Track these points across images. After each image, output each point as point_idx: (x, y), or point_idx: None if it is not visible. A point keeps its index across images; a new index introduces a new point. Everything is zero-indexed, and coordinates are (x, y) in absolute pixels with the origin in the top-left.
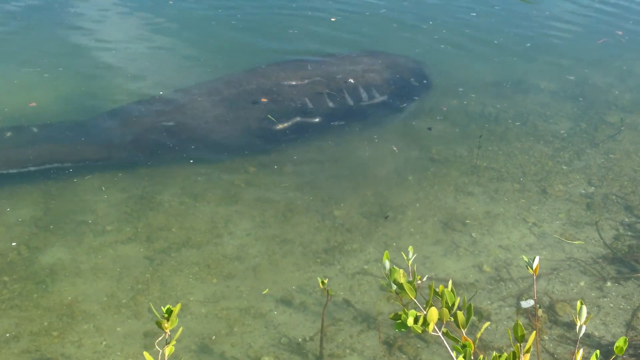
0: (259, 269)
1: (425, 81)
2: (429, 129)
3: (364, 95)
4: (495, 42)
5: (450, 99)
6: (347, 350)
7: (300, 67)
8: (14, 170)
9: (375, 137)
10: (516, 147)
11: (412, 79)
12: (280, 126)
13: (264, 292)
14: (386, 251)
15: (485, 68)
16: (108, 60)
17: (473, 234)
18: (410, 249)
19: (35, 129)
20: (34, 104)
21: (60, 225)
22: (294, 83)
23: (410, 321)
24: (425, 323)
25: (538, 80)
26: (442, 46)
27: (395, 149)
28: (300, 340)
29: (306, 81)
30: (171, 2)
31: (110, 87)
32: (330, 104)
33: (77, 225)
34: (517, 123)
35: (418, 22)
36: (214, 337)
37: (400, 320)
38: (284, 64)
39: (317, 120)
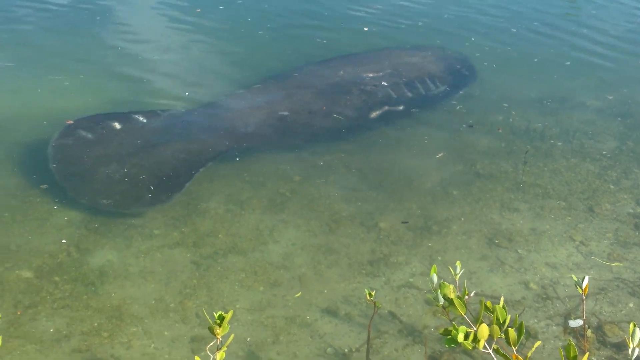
0: (304, 278)
1: (474, 72)
2: (470, 126)
3: (430, 85)
4: (536, 60)
5: (495, 114)
6: None
7: (368, 61)
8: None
9: (419, 149)
10: (562, 164)
11: (464, 70)
12: (373, 114)
13: (296, 295)
14: (434, 265)
15: (527, 84)
16: (148, 64)
17: (519, 251)
18: (458, 263)
19: (143, 119)
20: (71, 122)
21: (109, 228)
22: (372, 75)
23: (460, 337)
24: (476, 339)
25: (582, 98)
26: (485, 63)
27: (440, 155)
28: (346, 351)
29: (381, 73)
30: (221, 8)
31: (152, 90)
32: (409, 94)
33: (126, 228)
34: (563, 140)
35: (459, 39)
36: (260, 344)
37: (450, 336)
38: (348, 57)
39: (401, 108)
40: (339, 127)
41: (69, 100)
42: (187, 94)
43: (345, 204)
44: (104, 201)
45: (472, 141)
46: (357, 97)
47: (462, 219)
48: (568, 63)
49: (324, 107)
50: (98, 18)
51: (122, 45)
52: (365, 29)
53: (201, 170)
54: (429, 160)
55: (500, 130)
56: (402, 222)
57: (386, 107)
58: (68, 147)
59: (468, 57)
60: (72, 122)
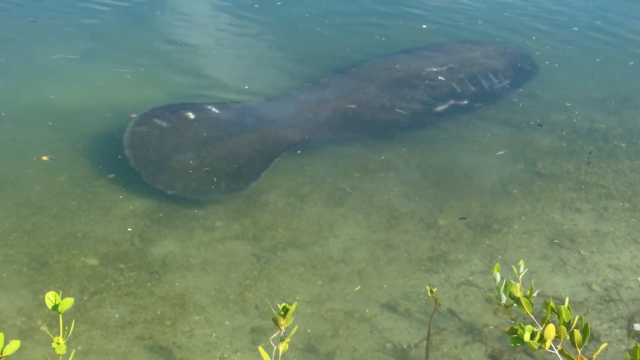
0: (363, 273)
1: (536, 67)
2: (540, 125)
3: (493, 79)
4: (598, 59)
5: (557, 113)
6: None
7: (431, 55)
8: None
9: (480, 147)
10: (626, 165)
11: (526, 65)
12: (436, 109)
13: (355, 289)
14: (497, 264)
15: (590, 84)
16: (207, 58)
17: (581, 252)
18: (521, 263)
19: (216, 110)
20: (135, 115)
21: (172, 219)
22: (435, 69)
23: (527, 336)
24: (542, 339)
25: None
26: (547, 62)
27: (501, 152)
28: (405, 346)
29: (444, 67)
30: (279, 4)
31: (211, 84)
32: (472, 89)
33: (188, 220)
34: (626, 141)
35: (520, 38)
36: (319, 337)
37: (516, 335)
38: (411, 51)
39: (464, 103)
40: (403, 121)
41: (131, 93)
42: (246, 87)
43: (405, 200)
44: (180, 188)
45: (533, 140)
46: (422, 91)
47: (523, 218)
48: (632, 63)
49: (387, 103)
50: (158, 12)
51: (182, 39)
52: (424, 26)
53: (276, 160)
54: (489, 158)
55: (564, 132)
56: (460, 218)
57: (450, 102)
58: (144, 135)
59: (529, 52)
60: (136, 115)
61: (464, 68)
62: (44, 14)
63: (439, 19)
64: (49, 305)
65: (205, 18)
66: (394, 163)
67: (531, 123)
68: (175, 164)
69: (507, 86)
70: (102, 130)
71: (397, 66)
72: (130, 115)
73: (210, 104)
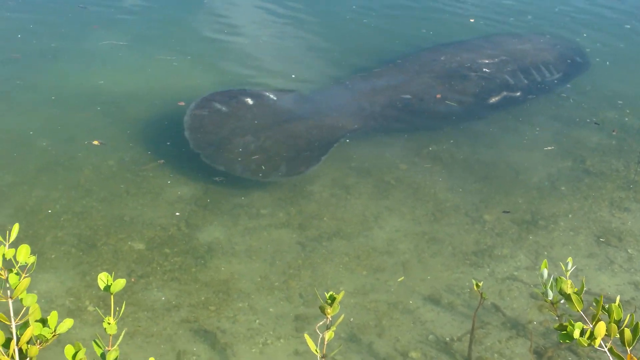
0: (408, 265)
1: (586, 60)
2: (596, 123)
3: (544, 72)
4: None
5: (607, 111)
6: (496, 355)
7: (482, 47)
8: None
9: (527, 142)
10: None
11: (577, 58)
12: (490, 100)
13: (399, 280)
14: (544, 260)
15: None
16: (253, 47)
17: (629, 251)
18: (570, 260)
19: (274, 96)
20: (183, 103)
21: (218, 206)
22: (487, 61)
23: (576, 333)
24: (592, 337)
25: None
26: (598, 59)
27: (549, 148)
28: (448, 339)
29: (496, 59)
30: None
31: (258, 73)
32: (524, 81)
33: (234, 207)
34: None
35: (570, 35)
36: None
37: (565, 332)
38: (461, 44)
39: (517, 94)
40: (454, 112)
41: (178, 80)
42: (293, 75)
43: (451, 193)
44: (240, 169)
45: (582, 137)
46: (474, 83)
47: (570, 215)
48: None
49: (440, 94)
50: (205, 0)
51: (228, 27)
52: (472, 20)
53: (335, 145)
54: (537, 153)
55: (615, 133)
56: (504, 212)
57: (502, 94)
58: (203, 118)
59: (579, 44)
60: (183, 103)
61: (516, 60)
62: (92, 1)
63: (487, 14)
64: (101, 285)
65: (251, 8)
66: (440, 156)
67: (587, 120)
68: (234, 146)
69: (559, 79)
70: (150, 117)
71: (450, 58)
72: (178, 104)
73: (267, 90)
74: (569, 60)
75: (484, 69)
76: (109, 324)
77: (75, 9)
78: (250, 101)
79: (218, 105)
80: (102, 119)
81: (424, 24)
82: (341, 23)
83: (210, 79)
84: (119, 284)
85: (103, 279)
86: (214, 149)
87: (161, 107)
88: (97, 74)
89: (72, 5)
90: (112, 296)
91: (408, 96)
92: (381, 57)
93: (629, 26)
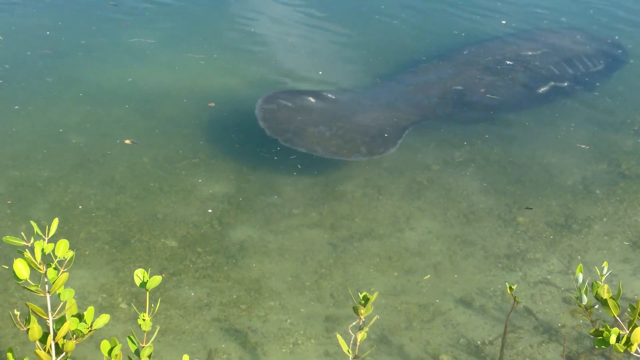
0: (439, 267)
1: (625, 52)
2: None
3: (587, 63)
4: None
5: None
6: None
7: (521, 40)
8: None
9: (561, 145)
10: None
11: (615, 51)
12: (541, 90)
13: (425, 277)
14: (580, 264)
15: None
16: (281, 46)
17: None
18: (605, 264)
19: (332, 95)
20: (213, 104)
21: (250, 204)
22: (530, 53)
23: (613, 339)
24: (628, 343)
25: None
26: (632, 61)
27: (584, 146)
28: (479, 342)
29: (539, 52)
30: None
31: (287, 72)
32: (570, 71)
33: (266, 206)
34: None
35: (601, 35)
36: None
37: (601, 337)
38: (502, 39)
39: (565, 84)
40: (500, 103)
41: (207, 80)
42: (320, 72)
43: (483, 195)
44: (321, 150)
45: (617, 140)
46: (520, 74)
47: (605, 219)
48: None
49: (487, 86)
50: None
51: (255, 27)
52: (503, 22)
53: (407, 132)
54: (571, 156)
55: None
56: (526, 208)
57: (546, 86)
58: (273, 111)
59: (615, 39)
60: (213, 104)
61: (557, 53)
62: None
63: (520, 15)
64: (137, 282)
65: (279, 6)
66: (473, 157)
67: (621, 123)
68: (310, 133)
69: (600, 72)
70: (181, 115)
71: (493, 52)
72: (209, 105)
73: (324, 91)
74: (607, 53)
75: (529, 62)
76: (144, 320)
77: (105, 7)
78: (312, 99)
79: (284, 102)
80: (134, 117)
81: (455, 25)
82: (370, 23)
83: (238, 79)
84: (155, 280)
85: (139, 275)
86: (292, 134)
87: (191, 106)
88: (127, 72)
89: (103, 2)
90: (147, 293)
91: (460, 87)
92: (411, 56)
93: None
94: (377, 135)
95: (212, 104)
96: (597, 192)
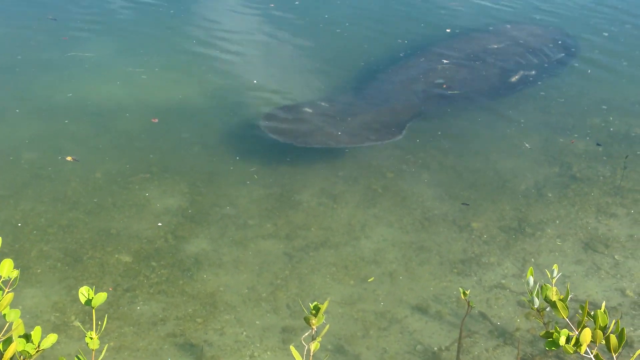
0: (395, 274)
1: (577, 43)
2: (598, 145)
3: (548, 53)
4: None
5: (592, 117)
6: None
7: (486, 36)
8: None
9: (515, 150)
10: None
11: (567, 42)
12: (513, 79)
13: (369, 280)
14: (530, 267)
15: (629, 87)
16: (228, 58)
17: (616, 257)
18: (555, 267)
19: (325, 103)
20: (156, 120)
21: (205, 217)
22: (496, 46)
23: (562, 340)
24: (578, 344)
25: None
26: (577, 64)
27: (527, 145)
28: (435, 349)
29: (502, 45)
30: (297, 3)
31: (235, 85)
32: (535, 61)
33: (220, 218)
34: None
35: (558, 31)
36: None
37: (551, 339)
38: (469, 34)
39: (533, 72)
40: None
41: (149, 94)
42: (255, 82)
43: (438, 202)
44: (334, 142)
45: (568, 144)
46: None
47: (557, 221)
48: None
49: (445, 85)
50: (172, 11)
51: (198, 39)
52: (448, 30)
53: (408, 125)
54: (524, 161)
55: (572, 142)
56: (462, 204)
57: (509, 78)
58: (277, 124)
59: (567, 31)
60: (157, 120)
61: (516, 47)
62: (63, 14)
63: (465, 23)
64: (82, 299)
65: (222, 18)
66: (428, 164)
67: (597, 143)
68: (320, 135)
69: (557, 62)
70: (132, 130)
71: (462, 47)
72: (152, 121)
73: (317, 100)
74: (561, 44)
75: (494, 54)
76: (91, 338)
77: (45, 21)
78: (309, 109)
79: (283, 115)
80: (86, 131)
81: (399, 33)
82: (315, 31)
83: (182, 92)
84: (100, 297)
85: (84, 293)
86: (304, 137)
87: (140, 120)
88: (66, 86)
89: (42, 17)
90: (93, 310)
91: (442, 80)
92: (361, 66)
93: (607, 34)
94: (381, 129)
95: (156, 120)
96: (550, 195)
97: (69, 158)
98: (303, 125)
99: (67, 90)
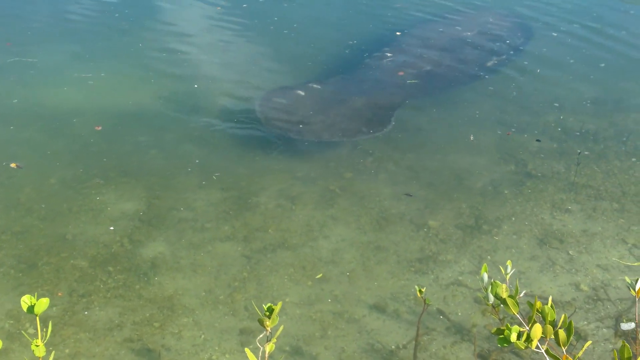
0: (353, 274)
1: (530, 29)
2: (538, 140)
3: (509, 39)
4: (602, 64)
5: (545, 115)
6: None
7: (453, 25)
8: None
9: (471, 148)
10: (615, 166)
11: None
12: (489, 64)
13: (317, 277)
14: (484, 264)
15: (582, 85)
16: (180, 61)
17: (570, 252)
18: (509, 263)
19: (303, 92)
20: (100, 128)
21: (161, 221)
22: (469, 33)
23: (513, 337)
24: (529, 339)
25: (638, 99)
26: (534, 67)
27: (472, 138)
28: (393, 347)
29: (472, 32)
30: (245, 6)
31: (188, 89)
32: (497, 44)
33: (178, 221)
34: (616, 142)
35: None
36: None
37: (503, 336)
38: (439, 23)
39: (505, 57)
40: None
41: (96, 100)
42: (196, 86)
43: (395, 201)
44: (328, 135)
45: (523, 141)
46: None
47: (513, 218)
48: (623, 63)
49: (401, 73)
50: (117, 15)
51: (145, 42)
52: (398, 33)
53: (396, 112)
54: (480, 159)
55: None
56: (405, 195)
57: (473, 63)
58: (272, 111)
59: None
60: (100, 127)
61: (484, 32)
62: (4, 19)
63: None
64: (24, 307)
65: (175, 21)
66: (385, 164)
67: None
68: (313, 123)
69: (516, 47)
70: (86, 135)
71: (434, 34)
72: (96, 128)
73: (310, 82)
74: (519, 30)
75: (468, 41)
76: (37, 346)
77: None
78: (302, 92)
79: (278, 99)
80: (41, 137)
81: (344, 36)
82: (264, 32)
83: (131, 97)
84: (43, 303)
85: (26, 300)
86: (298, 127)
87: (87, 126)
88: (11, 92)
89: None
90: (37, 317)
91: (413, 70)
92: (314, 64)
93: (555, 34)
94: (372, 117)
95: (99, 128)
96: (506, 192)
97: (13, 165)
98: (295, 113)
99: (12, 97)
